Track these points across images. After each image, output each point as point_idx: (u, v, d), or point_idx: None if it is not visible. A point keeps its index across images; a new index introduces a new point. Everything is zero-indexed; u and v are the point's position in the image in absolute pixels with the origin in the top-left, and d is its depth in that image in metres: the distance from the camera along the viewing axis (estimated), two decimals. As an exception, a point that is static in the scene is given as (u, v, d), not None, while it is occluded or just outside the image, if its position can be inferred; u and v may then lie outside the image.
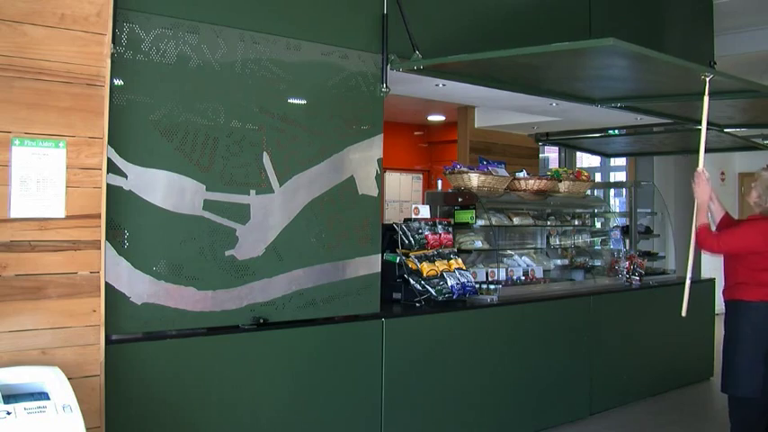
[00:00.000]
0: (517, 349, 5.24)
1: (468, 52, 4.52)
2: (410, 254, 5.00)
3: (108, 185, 3.29)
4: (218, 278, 3.77)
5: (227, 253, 3.81)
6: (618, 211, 8.37)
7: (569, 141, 8.38)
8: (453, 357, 4.81)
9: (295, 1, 4.13)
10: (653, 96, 5.78)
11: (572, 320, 5.74)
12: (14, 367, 2.84)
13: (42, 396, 2.68)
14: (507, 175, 6.10)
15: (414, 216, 5.21)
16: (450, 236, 5.29)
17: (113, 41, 3.31)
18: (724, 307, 4.46)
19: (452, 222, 5.57)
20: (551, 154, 11.48)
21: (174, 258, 3.62)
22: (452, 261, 5.11)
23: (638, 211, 7.67)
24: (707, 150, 4.40)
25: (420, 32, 4.58)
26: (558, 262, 6.59)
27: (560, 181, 6.57)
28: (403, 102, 7.71)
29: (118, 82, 3.42)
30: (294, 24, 4.08)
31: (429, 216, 5.29)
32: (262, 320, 3.91)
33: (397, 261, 5.01)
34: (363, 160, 4.39)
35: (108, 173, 3.30)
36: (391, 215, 11.30)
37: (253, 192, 3.91)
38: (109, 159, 3.31)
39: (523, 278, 5.99)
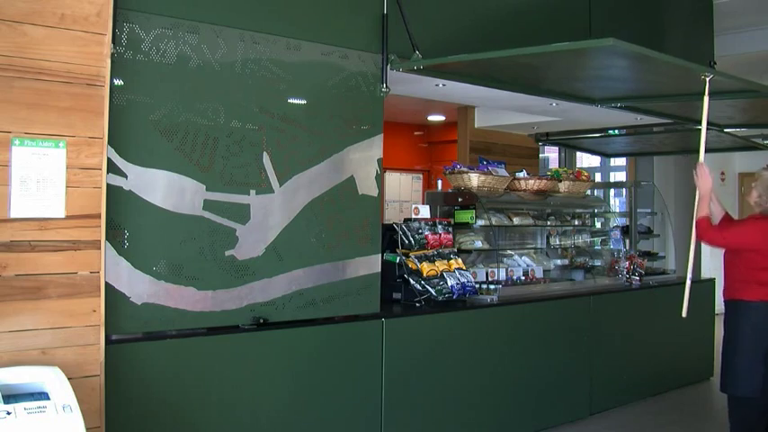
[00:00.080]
0: (517, 349, 5.24)
1: (468, 52, 4.52)
2: (410, 254, 5.00)
3: (108, 185, 3.29)
4: (218, 278, 3.77)
5: (227, 253, 3.81)
6: (618, 211, 8.37)
7: (569, 141, 8.38)
8: (453, 357, 4.81)
9: (295, 1, 4.13)
10: (653, 96, 5.78)
11: (572, 320, 5.74)
12: (14, 367, 2.84)
13: (42, 396, 2.68)
14: (507, 175, 6.10)
15: (414, 216, 5.21)
16: (450, 236, 5.29)
17: (113, 41, 3.31)
18: (724, 307, 4.46)
19: (452, 222, 5.57)
20: (551, 154, 11.48)
21: (174, 258, 3.62)
22: (452, 261, 5.11)
23: (638, 211, 7.67)
24: (707, 150, 4.40)
25: (420, 32, 4.58)
26: (558, 262, 6.59)
27: (560, 181, 6.57)
28: (403, 102, 7.71)
29: (118, 82, 3.42)
30: (294, 24, 4.08)
31: (429, 216, 5.29)
32: (262, 320, 3.91)
33: (397, 261, 5.01)
34: (363, 160, 4.39)
35: (108, 173, 3.30)
36: (391, 215, 11.31)
37: (253, 192, 3.91)
38: (109, 159, 3.31)
39: (523, 278, 5.99)
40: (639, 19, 6.50)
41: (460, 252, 5.48)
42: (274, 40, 3.99)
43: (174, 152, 3.63)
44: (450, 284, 4.95)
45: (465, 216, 5.80)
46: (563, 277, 6.53)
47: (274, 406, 3.96)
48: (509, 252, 6.29)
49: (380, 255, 4.53)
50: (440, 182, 6.41)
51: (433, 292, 4.87)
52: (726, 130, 6.83)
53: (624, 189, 8.93)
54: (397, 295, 5.00)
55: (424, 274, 4.90)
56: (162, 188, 3.59)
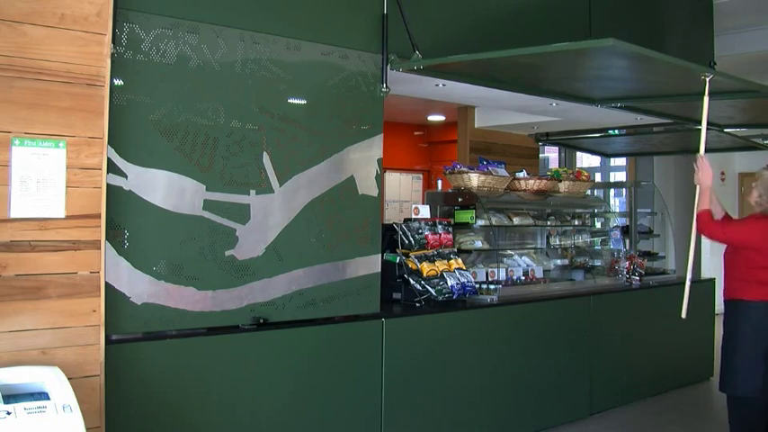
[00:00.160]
0: (517, 349, 5.24)
1: (468, 52, 4.52)
2: (410, 254, 5.00)
3: (108, 185, 3.29)
4: (218, 278, 3.77)
5: (227, 253, 3.81)
6: (618, 211, 8.37)
7: (569, 141, 8.37)
8: (453, 357, 4.81)
9: (295, 1, 4.13)
10: (653, 96, 5.78)
11: (572, 320, 5.74)
12: (14, 367, 2.84)
13: (42, 396, 2.68)
14: (507, 175, 6.10)
15: (414, 216, 5.21)
16: (450, 236, 5.29)
17: (113, 41, 3.31)
18: (724, 306, 4.46)
19: (452, 222, 5.57)
20: (551, 154, 11.48)
21: (174, 258, 3.62)
22: (452, 261, 5.11)
23: (638, 211, 7.67)
24: (707, 151, 4.40)
25: (420, 32, 4.58)
26: (558, 262, 6.59)
27: (560, 181, 6.57)
28: (403, 102, 7.71)
29: (118, 82, 3.42)
30: (294, 24, 4.08)
31: (429, 216, 5.29)
32: (262, 320, 3.91)
33: (397, 261, 5.01)
34: (363, 160, 4.39)
35: (108, 173, 3.30)
36: (391, 215, 11.31)
37: (253, 192, 3.91)
38: (109, 159, 3.31)
39: (523, 278, 5.99)
40: (639, 19, 6.50)
41: (460, 252, 5.48)
42: (274, 40, 3.99)
43: (174, 152, 3.63)
44: (450, 284, 4.95)
45: (465, 216, 5.80)
46: (563, 277, 6.53)
47: (274, 406, 3.96)
48: (509, 252, 6.29)
49: (380, 255, 4.53)
50: (440, 182, 6.41)
51: (433, 292, 4.87)
52: (726, 130, 6.83)
53: (624, 189, 8.92)
54: (397, 295, 5.00)
55: (424, 274, 4.90)
56: (162, 188, 3.59)
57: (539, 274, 6.20)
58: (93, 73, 3.18)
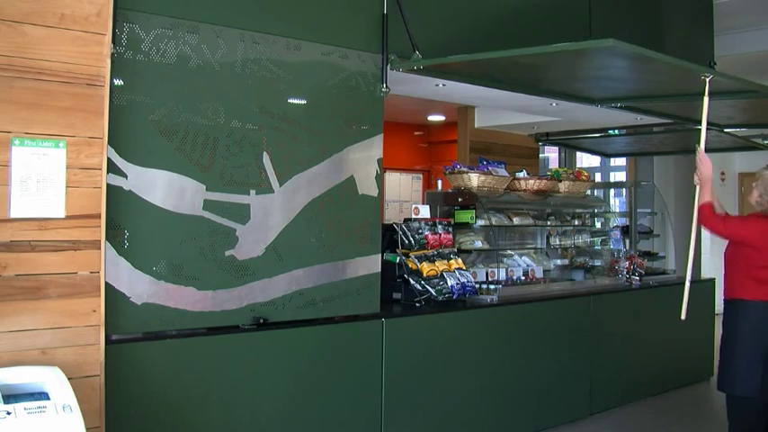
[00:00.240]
0: (517, 349, 5.24)
1: (468, 52, 4.52)
2: (410, 254, 5.00)
3: (108, 185, 3.29)
4: (218, 278, 3.77)
5: (227, 253, 3.81)
6: (618, 211, 8.37)
7: (569, 141, 8.37)
8: (453, 357, 4.81)
9: (295, 1, 4.13)
10: (653, 96, 5.78)
11: (572, 320, 5.74)
12: (14, 367, 2.84)
13: (42, 396, 2.68)
14: (507, 175, 6.10)
15: (414, 216, 5.21)
16: (450, 236, 5.29)
17: (113, 41, 3.31)
18: (723, 305, 4.46)
19: (452, 222, 5.57)
20: (551, 154, 11.48)
21: (174, 258, 3.62)
22: (452, 261, 5.11)
23: (638, 211, 7.67)
24: (707, 151, 4.40)
25: (420, 33, 4.58)
26: (558, 262, 6.59)
27: (560, 181, 6.57)
28: (403, 102, 7.71)
29: (118, 82, 3.42)
30: (294, 24, 4.08)
31: (429, 216, 5.29)
32: (262, 320, 3.91)
33: (397, 261, 5.01)
34: (363, 160, 4.39)
35: (108, 173, 3.30)
36: (391, 215, 11.30)
37: (253, 192, 3.91)
38: (109, 159, 3.31)
39: (523, 278, 5.99)
40: (639, 19, 6.50)
41: (460, 252, 5.48)
42: (274, 40, 3.99)
43: (174, 152, 3.63)
44: (450, 284, 4.95)
45: (465, 216, 5.80)
46: (563, 277, 6.53)
47: (274, 406, 3.96)
48: (509, 252, 6.29)
49: (380, 255, 4.53)
50: (440, 182, 6.41)
51: (433, 292, 4.87)
52: (726, 130, 6.83)
53: (624, 189, 8.92)
54: (397, 295, 5.00)
55: (424, 274, 4.90)
56: (162, 188, 3.59)
57: (539, 274, 6.20)
58: (93, 73, 3.18)
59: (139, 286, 3.51)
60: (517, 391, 5.24)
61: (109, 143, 3.28)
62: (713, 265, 8.01)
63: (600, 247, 7.02)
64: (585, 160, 11.45)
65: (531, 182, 6.27)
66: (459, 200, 5.84)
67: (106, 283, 3.28)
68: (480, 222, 5.81)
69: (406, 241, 5.08)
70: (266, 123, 3.96)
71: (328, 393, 4.16)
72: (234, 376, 3.80)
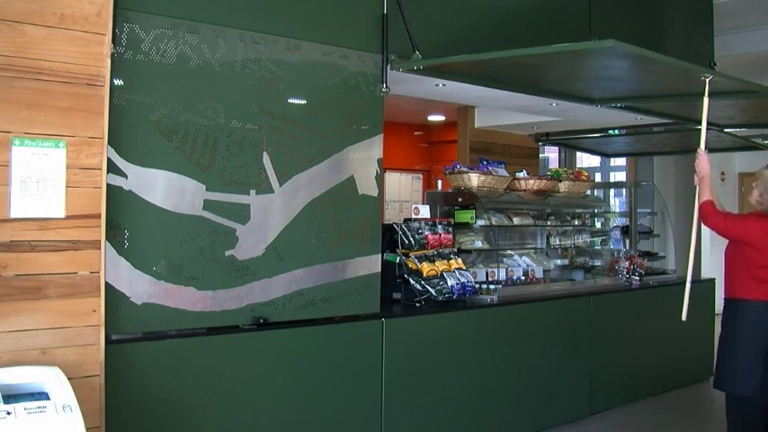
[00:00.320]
0: (517, 349, 5.24)
1: (468, 52, 4.52)
2: (410, 254, 5.00)
3: (108, 185, 3.29)
4: (218, 278, 3.77)
5: (227, 253, 3.81)
6: (618, 211, 8.37)
7: (569, 141, 8.37)
8: (453, 357, 4.81)
9: (295, 1, 4.13)
10: (653, 96, 5.79)
11: (572, 320, 5.74)
12: (14, 367, 2.84)
13: (42, 396, 2.68)
14: (507, 175, 6.10)
15: (414, 216, 5.21)
16: (450, 236, 5.29)
17: (113, 41, 3.31)
18: (723, 304, 4.46)
19: (452, 222, 5.57)
20: (551, 154, 11.48)
21: (174, 258, 3.62)
22: (452, 261, 5.11)
23: (638, 211, 7.67)
24: (707, 151, 4.41)
25: (420, 33, 4.58)
26: (558, 262, 6.59)
27: (560, 181, 6.57)
28: (403, 102, 7.71)
29: (118, 82, 3.42)
30: (294, 24, 4.08)
31: (429, 216, 5.29)
32: (262, 320, 3.91)
33: (397, 261, 5.01)
34: (363, 160, 4.39)
35: (108, 173, 3.30)
36: (391, 215, 11.30)
37: (253, 192, 3.91)
38: (109, 159, 3.31)
39: (523, 278, 5.99)
40: (639, 19, 6.51)
41: (460, 252, 5.48)
42: (274, 40, 3.99)
43: (173, 152, 3.63)
44: (450, 284, 4.95)
45: (465, 216, 5.80)
46: (563, 277, 6.53)
47: (274, 406, 3.96)
48: (509, 252, 6.29)
49: (380, 255, 4.53)
50: (440, 182, 6.41)
51: (433, 292, 4.87)
52: (726, 130, 6.83)
53: (624, 189, 8.92)
54: (397, 295, 5.00)
55: (424, 274, 4.90)
56: (162, 188, 3.59)
57: (539, 274, 6.20)
58: (93, 73, 3.18)
59: (139, 286, 3.51)
60: (517, 391, 5.24)
61: (109, 143, 3.28)
62: (713, 265, 8.01)
63: (600, 247, 7.02)
64: (585, 160, 11.45)
65: (531, 182, 6.27)
66: (459, 200, 5.84)
67: (106, 283, 3.28)
68: (480, 222, 5.81)
69: (406, 241, 5.08)
70: (266, 123, 3.96)
71: (328, 393, 4.16)
72: (234, 376, 3.80)
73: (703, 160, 4.33)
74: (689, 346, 6.92)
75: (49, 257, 3.08)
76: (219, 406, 3.73)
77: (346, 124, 4.32)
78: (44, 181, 3.06)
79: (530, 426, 5.35)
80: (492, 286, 5.41)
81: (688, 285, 4.24)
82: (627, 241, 7.40)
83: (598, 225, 7.34)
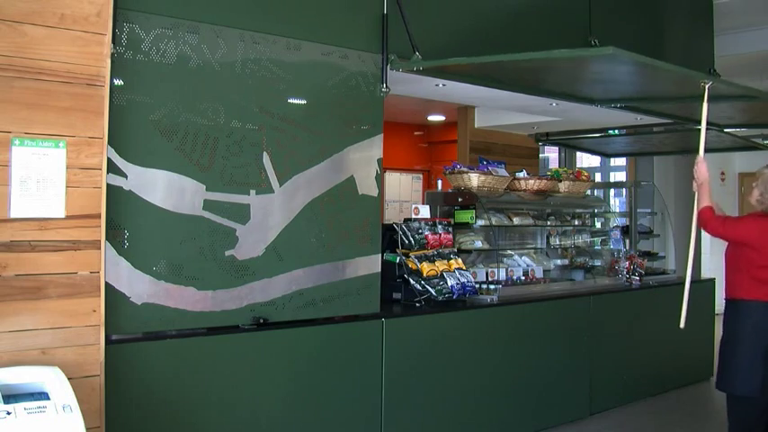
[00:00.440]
0: (517, 349, 5.24)
1: (468, 53, 4.52)
2: (410, 254, 5.00)
3: (108, 185, 3.29)
4: (218, 278, 3.77)
5: (227, 253, 3.81)
6: (618, 211, 8.37)
7: (569, 141, 8.37)
8: (453, 357, 4.81)
9: (295, 1, 4.13)
10: (653, 98, 5.80)
11: (572, 320, 5.74)
12: (14, 367, 2.84)
13: (42, 396, 2.68)
14: (507, 175, 6.10)
15: (414, 216, 5.21)
16: (450, 236, 5.29)
17: (113, 41, 3.31)
18: (724, 305, 4.46)
19: (452, 222, 5.57)
20: (551, 154, 11.47)
21: (174, 258, 3.62)
22: (452, 261, 5.11)
23: (638, 211, 7.67)
24: (707, 151, 4.41)
25: (420, 33, 4.58)
26: (558, 262, 6.59)
27: (560, 181, 6.57)
28: (403, 102, 7.71)
29: (118, 82, 3.42)
30: (294, 24, 4.08)
31: (429, 216, 5.29)
32: (262, 320, 3.91)
33: (397, 261, 5.01)
34: (363, 160, 4.39)
35: (108, 173, 3.30)
36: (391, 215, 11.30)
37: (253, 192, 3.91)
38: (109, 159, 3.31)
39: (523, 278, 5.99)
40: (640, 19, 6.51)
41: (460, 252, 5.48)
42: (274, 40, 3.99)
43: (174, 152, 3.63)
44: (450, 284, 4.95)
45: (465, 216, 5.80)
46: (563, 277, 6.53)
47: (274, 406, 3.96)
48: (509, 252, 6.29)
49: (380, 255, 4.53)
50: (440, 182, 6.41)
51: (433, 292, 4.87)
52: (726, 130, 6.83)
53: (624, 189, 8.93)
54: (397, 295, 5.00)
55: (424, 274, 4.90)
56: (162, 188, 3.59)
57: (539, 274, 6.20)
58: (93, 73, 3.18)
59: (139, 286, 3.51)
60: (517, 391, 5.24)
61: (109, 143, 3.28)
62: (713, 266, 8.01)
63: (600, 247, 7.03)
64: (585, 160, 11.45)
65: (531, 182, 6.27)
66: (459, 200, 5.84)
67: (106, 283, 3.28)
68: (480, 222, 5.81)
69: (406, 241, 5.08)
70: (266, 123, 3.96)
71: (328, 393, 4.16)
72: (234, 376, 3.80)
73: (702, 167, 4.34)
74: (689, 346, 6.91)
75: (48, 257, 3.08)
76: (219, 406, 3.73)
77: (346, 124, 4.32)
78: (44, 181, 3.06)
79: (530, 426, 5.35)
80: (492, 286, 5.41)
81: (686, 293, 4.26)
82: (627, 241, 7.40)
83: (598, 225, 7.34)
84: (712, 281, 7.36)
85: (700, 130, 4.37)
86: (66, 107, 3.11)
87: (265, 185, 3.96)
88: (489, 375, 5.04)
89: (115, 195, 3.39)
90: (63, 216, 3.11)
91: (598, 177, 11.04)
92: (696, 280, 6.06)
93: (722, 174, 11.43)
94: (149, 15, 3.54)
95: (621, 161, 11.15)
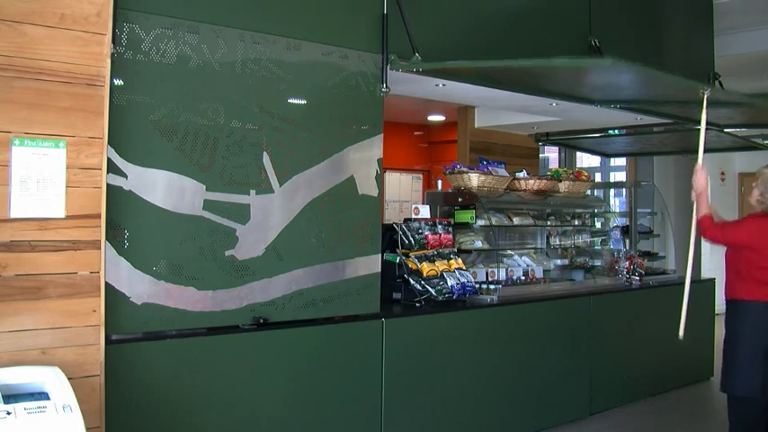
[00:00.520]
0: (517, 349, 5.24)
1: (468, 52, 4.54)
2: (410, 254, 5.00)
3: (108, 185, 3.29)
4: (218, 278, 3.77)
5: (227, 253, 3.81)
6: (618, 211, 8.37)
7: (569, 141, 8.38)
8: (453, 357, 4.81)
9: (295, 1, 4.13)
10: (653, 102, 5.81)
11: (572, 320, 5.74)
12: (14, 367, 2.84)
13: (42, 396, 2.68)
14: (507, 175, 6.10)
15: (414, 216, 5.21)
16: (450, 236, 5.29)
17: (113, 41, 3.31)
18: (725, 306, 4.47)
19: (452, 222, 5.57)
20: (551, 154, 11.47)
21: (174, 258, 3.62)
22: (452, 261, 5.11)
23: (638, 211, 7.67)
24: (707, 151, 4.42)
25: (420, 33, 4.58)
26: (558, 262, 6.59)
27: (560, 181, 6.57)
28: (403, 102, 7.70)
29: (118, 82, 3.42)
30: (294, 24, 4.08)
31: (429, 216, 5.29)
32: (262, 320, 3.91)
33: (397, 261, 5.01)
34: (363, 160, 4.39)
35: (108, 173, 3.30)
36: (391, 215, 11.30)
37: (253, 192, 3.91)
38: (109, 159, 3.31)
39: (523, 278, 5.99)
40: (640, 19, 6.51)
41: (460, 252, 5.48)
42: (274, 40, 3.99)
43: (174, 152, 3.63)
44: (450, 284, 4.95)
45: (465, 216, 5.80)
46: (563, 277, 6.53)
47: (274, 406, 3.96)
48: (509, 252, 6.29)
49: (380, 255, 4.53)
50: (440, 182, 6.41)
51: (433, 292, 4.87)
52: (726, 130, 6.83)
53: (624, 189, 8.93)
54: (397, 295, 5.00)
55: (424, 274, 4.90)
56: (162, 188, 3.59)
57: (539, 274, 6.20)
58: (93, 73, 3.18)
59: (139, 286, 3.51)
60: (517, 391, 5.24)
61: (109, 143, 3.28)
62: (713, 265, 8.01)
63: (600, 247, 7.02)
64: (585, 160, 11.45)
65: (531, 182, 6.27)
66: (459, 200, 5.84)
67: (106, 283, 3.28)
68: (480, 222, 5.81)
69: (406, 241, 5.08)
70: (266, 123, 3.96)
71: (328, 393, 4.16)
72: (234, 376, 3.80)
73: (700, 176, 4.34)
74: (689, 346, 6.88)
75: (49, 257, 3.08)
76: (219, 406, 3.73)
77: (346, 124, 4.32)
78: (44, 181, 3.06)
79: (530, 426, 5.35)
80: (492, 286, 5.41)
81: (685, 304, 4.28)
82: (627, 241, 7.40)
83: (598, 225, 7.34)
84: (712, 281, 7.36)
85: (699, 130, 4.38)
86: (66, 107, 3.11)
87: (265, 185, 3.96)
88: (489, 375, 5.04)
89: (115, 195, 3.39)
90: (63, 216, 3.11)
91: (598, 177, 11.04)
92: (696, 280, 6.06)
93: (722, 174, 11.42)
94: (149, 15, 3.54)
95: (621, 161, 11.15)
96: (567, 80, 5.21)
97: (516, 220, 6.12)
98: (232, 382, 3.78)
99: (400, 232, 5.10)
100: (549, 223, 6.52)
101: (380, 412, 4.38)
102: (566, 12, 5.83)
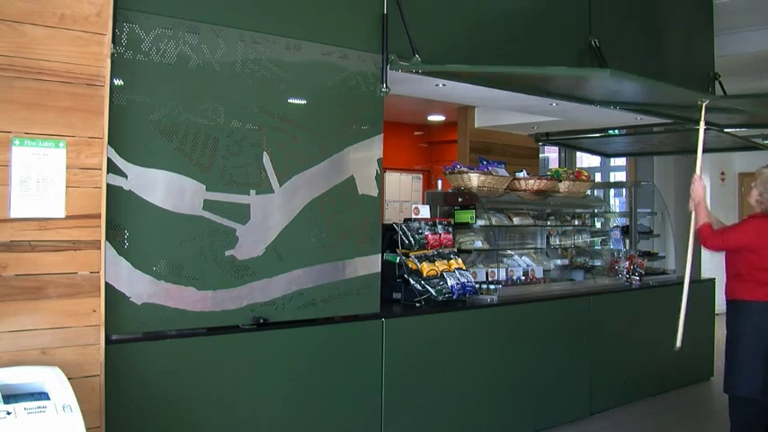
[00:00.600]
0: (517, 349, 5.24)
1: (468, 53, 4.55)
2: (410, 254, 5.00)
3: (108, 185, 3.29)
4: (218, 278, 3.77)
5: (227, 253, 3.81)
6: (618, 211, 8.37)
7: (569, 141, 8.37)
8: (453, 357, 4.81)
9: (295, 1, 4.13)
10: (653, 105, 5.83)
11: (572, 320, 5.74)
12: (14, 367, 2.84)
13: (42, 396, 2.68)
14: (507, 175, 6.10)
15: (414, 216, 5.21)
16: (450, 236, 5.29)
17: (113, 41, 3.31)
18: (725, 306, 4.47)
19: (452, 222, 5.57)
20: (551, 154, 11.47)
21: (174, 258, 3.62)
22: (452, 261, 5.11)
23: (638, 211, 7.67)
24: (707, 150, 4.42)
25: (420, 33, 4.58)
26: (558, 262, 6.59)
27: (560, 181, 6.57)
28: (403, 102, 7.70)
29: (118, 82, 3.42)
30: (294, 24, 4.08)
31: (429, 216, 5.29)
32: (262, 320, 3.91)
33: (397, 261, 5.01)
34: (363, 160, 4.39)
35: (108, 173, 3.30)
36: (391, 215, 11.30)
37: (253, 192, 3.91)
38: (109, 159, 3.31)
39: (523, 278, 5.99)
40: (640, 20, 6.51)
41: (460, 252, 5.48)
42: (274, 40, 3.99)
43: (174, 152, 3.63)
44: (450, 284, 4.95)
45: (465, 216, 5.80)
46: (563, 277, 6.53)
47: (274, 406, 3.96)
48: (509, 252, 6.29)
49: (380, 255, 4.53)
50: (440, 182, 6.41)
51: (433, 292, 4.87)
52: (726, 130, 6.83)
53: (624, 189, 8.93)
54: (397, 295, 5.00)
55: (424, 274, 4.90)
56: (162, 188, 3.59)
57: (539, 274, 6.20)
58: (93, 73, 3.18)
59: (139, 286, 3.51)
60: (517, 391, 5.24)
61: (109, 143, 3.28)
62: (713, 265, 8.00)
63: (600, 247, 7.02)
64: (585, 160, 11.45)
65: (531, 182, 6.27)
66: (459, 200, 5.84)
67: (106, 283, 3.28)
68: (480, 222, 5.81)
69: (406, 241, 5.08)
70: (266, 123, 3.96)
71: (328, 393, 4.16)
72: (234, 376, 3.80)
73: (698, 186, 4.36)
74: (689, 346, 6.87)
75: (49, 257, 3.08)
76: (219, 406, 3.73)
77: (346, 124, 4.32)
78: (44, 181, 3.06)
79: (530, 426, 5.35)
80: (492, 286, 5.41)
81: (683, 314, 4.29)
82: (627, 241, 7.40)
83: (598, 225, 7.34)
84: (712, 281, 7.36)
85: (698, 134, 4.38)
86: (66, 107, 3.11)
87: (265, 185, 3.96)
88: (489, 375, 5.04)
89: (115, 195, 3.39)
90: (63, 216, 3.11)
91: (598, 177, 11.04)
92: (696, 280, 6.06)
93: (722, 174, 11.41)
94: (149, 15, 3.54)
95: (621, 161, 11.15)
96: (568, 85, 5.23)
97: (516, 220, 6.12)
98: (232, 382, 3.78)
99: (400, 232, 5.10)
100: (548, 223, 6.52)
101: (380, 412, 4.38)
102: (566, 13, 5.83)
